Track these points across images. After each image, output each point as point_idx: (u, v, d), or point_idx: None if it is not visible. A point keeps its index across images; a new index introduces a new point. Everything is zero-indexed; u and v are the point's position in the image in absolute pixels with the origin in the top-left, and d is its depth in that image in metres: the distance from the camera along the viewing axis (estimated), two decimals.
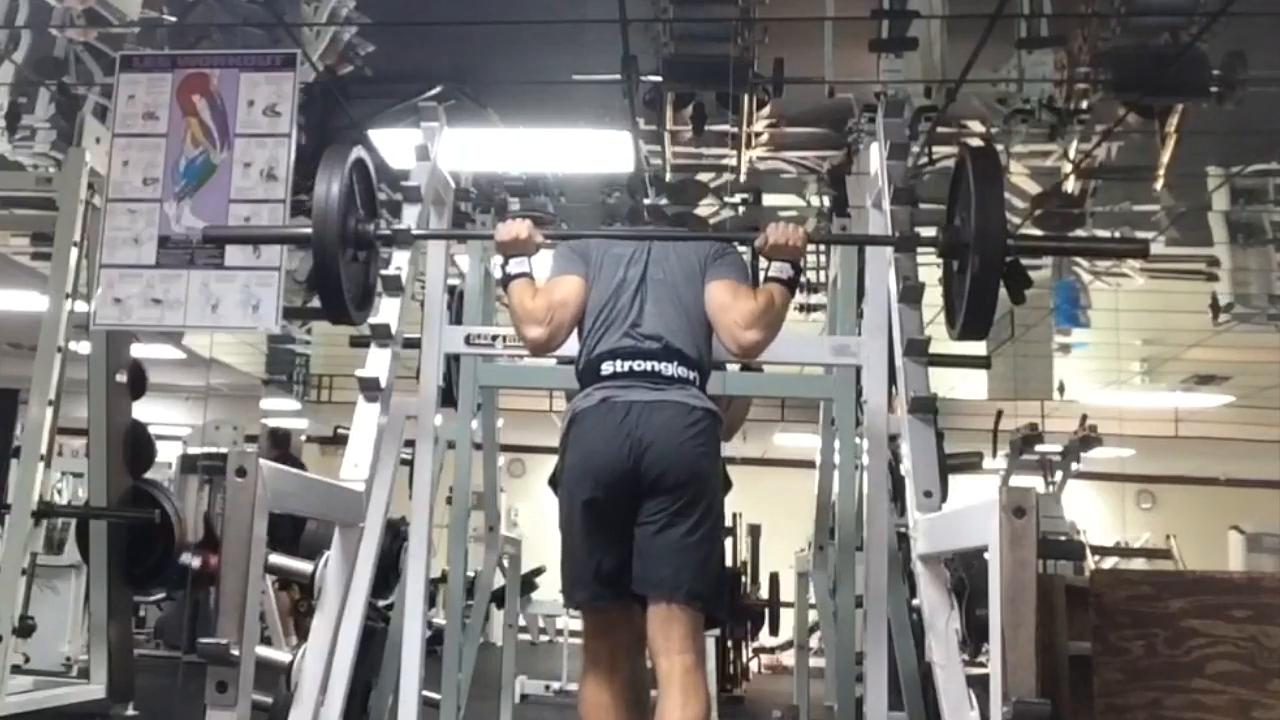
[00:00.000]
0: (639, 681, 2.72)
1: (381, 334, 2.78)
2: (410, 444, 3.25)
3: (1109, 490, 12.91)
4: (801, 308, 6.19)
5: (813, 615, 5.56)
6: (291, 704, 2.41)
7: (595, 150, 5.34)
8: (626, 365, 2.54)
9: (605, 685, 2.52)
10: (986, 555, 1.94)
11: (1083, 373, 9.71)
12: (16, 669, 4.53)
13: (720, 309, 2.59)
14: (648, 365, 2.54)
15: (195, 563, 4.76)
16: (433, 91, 4.65)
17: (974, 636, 3.42)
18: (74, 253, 4.29)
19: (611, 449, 2.46)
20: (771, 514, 7.91)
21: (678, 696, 2.39)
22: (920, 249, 2.78)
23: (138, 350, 4.90)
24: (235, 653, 1.94)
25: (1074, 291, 7.05)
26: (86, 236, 4.29)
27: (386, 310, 2.82)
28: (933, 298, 2.75)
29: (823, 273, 5.64)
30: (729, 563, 7.03)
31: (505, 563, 5.13)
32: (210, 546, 4.98)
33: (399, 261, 2.88)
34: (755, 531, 7.99)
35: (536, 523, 9.15)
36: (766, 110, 4.97)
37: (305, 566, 4.30)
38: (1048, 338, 8.51)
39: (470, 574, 4.78)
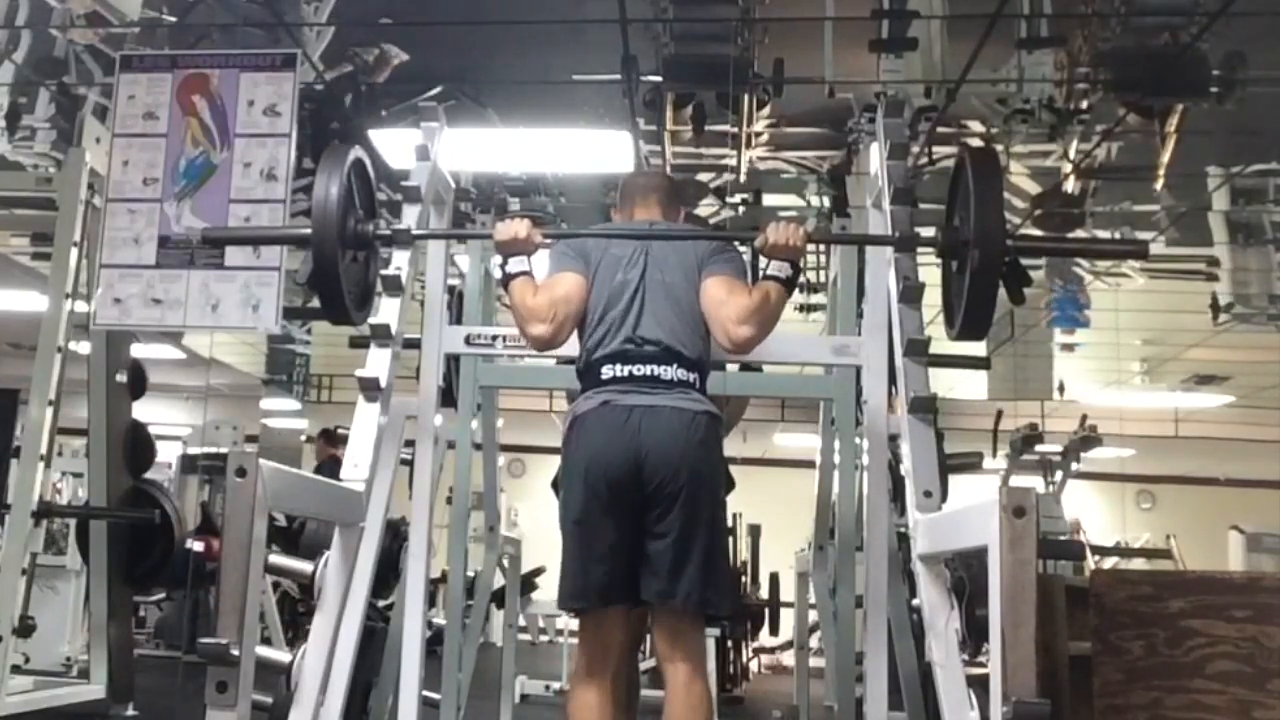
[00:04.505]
0: (631, 682, 2.73)
1: (381, 334, 2.78)
2: (410, 444, 3.25)
3: (1109, 490, 12.90)
4: (801, 308, 6.19)
5: (813, 615, 5.56)
6: (291, 704, 2.41)
7: (595, 150, 5.33)
8: (626, 369, 2.54)
9: (596, 686, 2.52)
10: (987, 555, 1.94)
11: (1083, 373, 9.71)
12: (16, 669, 4.54)
13: (714, 303, 2.58)
14: (647, 369, 2.54)
15: (198, 546, 4.76)
16: (433, 91, 4.65)
17: (974, 636, 3.41)
18: (74, 253, 4.29)
19: (615, 450, 2.46)
20: (771, 514, 7.89)
21: (681, 705, 2.44)
22: (920, 249, 2.78)
23: (138, 350, 4.91)
24: (235, 653, 1.94)
25: (1070, 294, 7.06)
26: (86, 236, 4.30)
27: (386, 310, 2.82)
28: (933, 298, 2.75)
29: (823, 273, 5.64)
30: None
31: (505, 563, 5.13)
32: (210, 531, 4.98)
33: (399, 261, 2.88)
34: (755, 531, 7.98)
35: (536, 523, 9.14)
36: (766, 110, 4.96)
37: (305, 566, 4.29)
38: (1048, 338, 8.52)
39: (470, 574, 4.78)
